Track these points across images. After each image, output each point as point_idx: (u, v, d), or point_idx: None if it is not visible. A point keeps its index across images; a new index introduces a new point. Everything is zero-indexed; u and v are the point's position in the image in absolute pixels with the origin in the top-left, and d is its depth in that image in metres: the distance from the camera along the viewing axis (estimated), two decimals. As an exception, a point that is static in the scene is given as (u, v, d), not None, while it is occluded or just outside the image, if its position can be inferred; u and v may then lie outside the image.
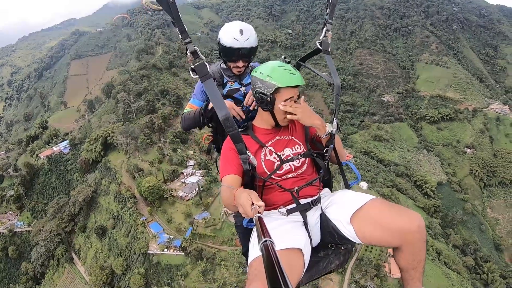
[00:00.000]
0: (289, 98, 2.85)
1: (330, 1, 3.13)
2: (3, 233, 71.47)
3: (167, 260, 49.49)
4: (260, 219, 1.70)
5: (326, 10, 3.22)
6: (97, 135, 72.74)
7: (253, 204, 2.02)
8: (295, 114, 2.84)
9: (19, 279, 65.72)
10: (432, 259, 59.87)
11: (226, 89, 3.52)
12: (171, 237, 50.61)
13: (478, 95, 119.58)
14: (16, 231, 71.59)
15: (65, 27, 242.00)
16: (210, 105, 3.22)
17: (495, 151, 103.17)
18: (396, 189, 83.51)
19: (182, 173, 61.71)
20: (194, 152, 70.55)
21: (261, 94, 2.86)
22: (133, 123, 74.80)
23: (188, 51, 2.67)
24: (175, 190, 57.63)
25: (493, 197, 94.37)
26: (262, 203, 2.03)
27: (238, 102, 3.45)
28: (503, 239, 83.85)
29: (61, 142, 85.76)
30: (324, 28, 3.21)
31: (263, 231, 1.48)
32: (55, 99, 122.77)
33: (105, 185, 65.58)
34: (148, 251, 50.71)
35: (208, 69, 2.75)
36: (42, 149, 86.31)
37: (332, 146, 2.97)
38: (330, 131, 2.91)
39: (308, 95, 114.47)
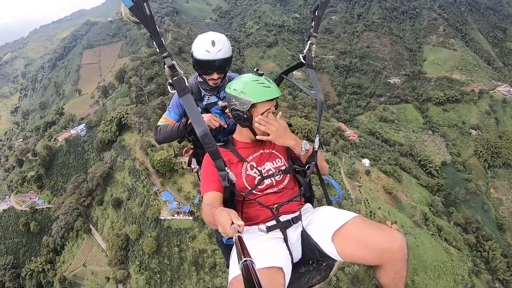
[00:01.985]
0: (266, 111, 2.88)
1: (316, 14, 3.18)
2: (24, 210, 77.80)
3: (177, 225, 55.98)
4: (240, 238, 1.72)
5: (312, 23, 3.26)
6: (112, 116, 79.27)
7: (232, 223, 2.05)
8: (268, 134, 2.89)
9: (40, 252, 71.91)
10: (432, 234, 63.50)
11: (204, 103, 3.54)
12: (181, 204, 57.17)
13: (485, 77, 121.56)
14: (37, 208, 77.78)
15: (75, 18, 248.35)
16: (189, 121, 3.21)
17: (500, 133, 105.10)
18: (399, 167, 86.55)
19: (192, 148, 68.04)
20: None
21: (237, 112, 2.89)
22: (146, 105, 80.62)
23: (165, 65, 2.76)
24: (185, 162, 64.08)
25: (497, 178, 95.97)
26: (241, 223, 2.05)
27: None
28: (506, 219, 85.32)
29: (77, 125, 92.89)
30: (309, 42, 3.28)
31: (243, 251, 1.50)
32: (70, 87, 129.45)
33: (120, 161, 72.37)
34: (160, 217, 57.37)
35: (187, 84, 2.85)
36: (60, 133, 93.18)
37: (314, 163, 3.04)
38: (308, 148, 3.02)
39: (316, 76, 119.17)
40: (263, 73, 2.94)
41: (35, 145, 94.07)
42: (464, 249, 65.92)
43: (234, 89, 2.90)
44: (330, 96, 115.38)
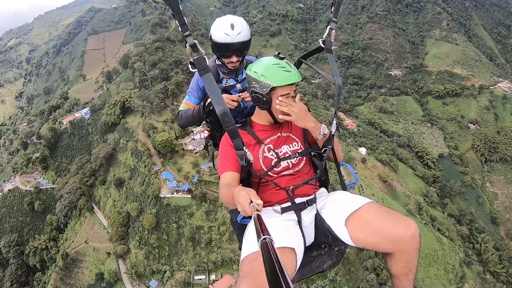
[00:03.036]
0: (285, 94, 2.91)
1: None
2: (29, 190, 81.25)
3: (176, 202, 59.64)
4: (258, 216, 1.73)
5: (331, 9, 3.34)
6: (116, 100, 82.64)
7: (251, 202, 2.13)
8: (289, 115, 2.90)
9: (44, 230, 75.42)
10: (425, 224, 65.64)
11: (222, 86, 3.58)
12: (180, 182, 60.67)
13: (486, 73, 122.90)
14: (41, 188, 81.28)
15: (80, 5, 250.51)
16: (208, 101, 3.34)
17: (499, 128, 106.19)
18: (396, 158, 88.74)
19: (192, 131, 71.18)
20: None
21: (256, 94, 2.92)
22: (149, 89, 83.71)
23: (187, 44, 2.76)
24: (185, 144, 67.72)
25: (494, 172, 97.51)
26: (260, 201, 2.11)
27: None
28: (500, 213, 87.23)
29: (82, 109, 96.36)
30: (328, 27, 3.32)
31: (262, 229, 1.50)
32: (74, 72, 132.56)
33: (123, 143, 75.96)
34: (160, 195, 60.97)
35: (207, 63, 2.82)
36: (64, 116, 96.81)
37: (330, 146, 3.06)
38: (327, 132, 3.03)
39: (321, 67, 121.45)
40: (284, 57, 2.98)
41: (40, 128, 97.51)
42: (456, 240, 68.01)
43: (254, 72, 2.95)
44: (330, 86, 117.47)
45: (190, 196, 59.05)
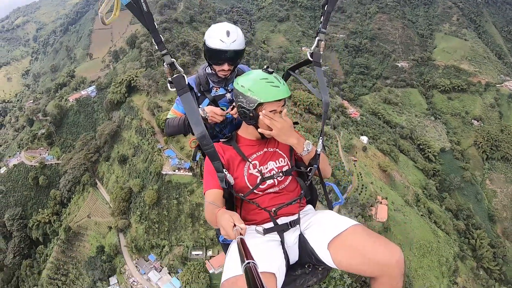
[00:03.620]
0: (272, 111, 2.85)
1: (325, 8, 3.08)
2: (34, 165, 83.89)
3: (177, 179, 61.77)
4: (242, 241, 1.76)
5: (321, 18, 3.18)
6: (122, 79, 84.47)
7: (234, 225, 2.11)
8: (271, 130, 2.86)
9: (48, 204, 78.05)
10: (421, 215, 66.93)
11: (212, 94, 3.55)
12: (182, 160, 62.68)
13: (494, 71, 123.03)
14: (46, 164, 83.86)
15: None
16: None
17: (502, 126, 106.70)
18: (398, 149, 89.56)
19: (196, 112, 73.24)
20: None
21: (243, 109, 2.89)
22: (155, 69, 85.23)
23: (165, 63, 2.77)
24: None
25: (494, 170, 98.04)
26: (244, 226, 2.11)
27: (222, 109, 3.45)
28: (498, 211, 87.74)
29: (88, 87, 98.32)
30: (317, 38, 3.19)
31: (246, 253, 1.52)
32: (81, 51, 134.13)
33: (128, 121, 78.06)
34: (162, 172, 63.20)
35: (186, 82, 2.84)
36: (70, 94, 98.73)
37: (316, 166, 3.02)
38: (311, 148, 2.99)
39: (324, 55, 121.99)
40: (273, 71, 2.93)
41: (46, 105, 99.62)
42: (452, 234, 69.12)
43: (241, 86, 2.91)
44: (337, 74, 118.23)
45: (191, 173, 61.07)
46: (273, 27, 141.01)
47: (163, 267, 56.98)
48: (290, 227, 2.86)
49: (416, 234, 59.41)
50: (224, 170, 2.78)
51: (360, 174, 69.48)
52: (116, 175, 72.41)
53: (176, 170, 62.57)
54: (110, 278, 59.20)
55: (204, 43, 3.27)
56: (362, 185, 66.69)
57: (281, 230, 2.84)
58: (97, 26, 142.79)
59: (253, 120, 2.93)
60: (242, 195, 2.92)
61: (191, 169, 61.15)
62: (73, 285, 63.54)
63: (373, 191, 66.04)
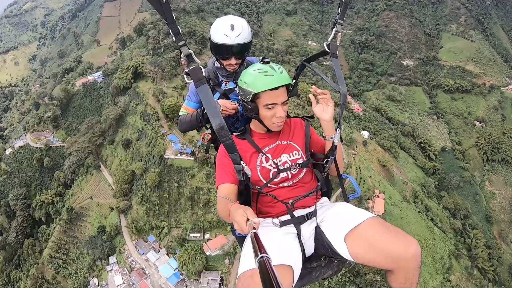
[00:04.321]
0: (272, 104, 2.85)
1: (343, 0, 3.13)
2: (39, 147, 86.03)
3: (179, 163, 64.15)
4: (255, 235, 1.74)
5: (338, 10, 3.21)
6: (129, 65, 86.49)
7: (248, 220, 2.08)
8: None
9: (51, 186, 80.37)
10: (418, 212, 68.42)
11: (222, 89, 3.58)
12: (184, 145, 64.88)
13: (499, 73, 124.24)
14: (51, 146, 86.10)
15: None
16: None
17: (505, 129, 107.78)
18: (399, 145, 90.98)
19: (202, 99, 75.23)
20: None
21: (243, 103, 2.94)
22: (161, 57, 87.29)
23: (182, 54, 2.72)
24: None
25: (494, 172, 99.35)
26: (258, 220, 2.06)
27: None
28: (495, 213, 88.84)
29: (95, 72, 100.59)
30: (334, 29, 3.19)
31: (260, 247, 1.52)
32: (88, 37, 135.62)
33: (133, 106, 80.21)
34: (164, 156, 65.56)
35: (203, 73, 2.75)
36: (77, 79, 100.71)
37: (333, 158, 3.03)
38: (332, 142, 3.01)
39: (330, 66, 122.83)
40: (269, 61, 2.92)
41: (52, 90, 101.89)
42: (448, 233, 70.12)
43: (240, 80, 2.97)
44: (342, 69, 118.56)
45: (192, 158, 63.42)
46: (280, 20, 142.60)
47: (161, 248, 59.27)
48: (306, 219, 2.89)
49: (412, 230, 60.00)
50: (241, 162, 2.74)
51: (359, 168, 70.95)
52: (120, 159, 74.66)
53: (178, 155, 65.00)
54: (109, 258, 61.59)
55: (210, 38, 3.35)
56: (361, 178, 68.18)
57: (297, 222, 2.86)
58: (105, 13, 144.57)
59: (253, 113, 2.95)
60: (259, 187, 2.94)
61: (192, 153, 63.37)
62: (73, 264, 65.92)
63: (371, 185, 67.67)
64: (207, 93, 2.68)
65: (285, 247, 2.65)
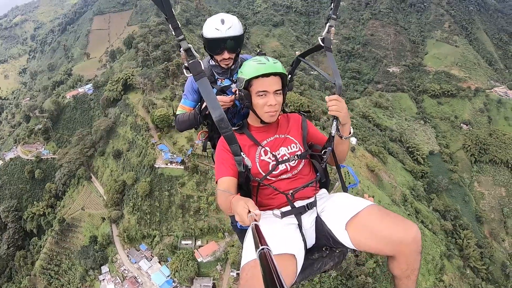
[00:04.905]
0: (263, 91, 2.96)
1: None
2: (30, 159, 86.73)
3: (169, 172, 65.16)
4: (256, 227, 1.74)
5: (331, 5, 3.33)
6: (118, 77, 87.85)
7: (249, 212, 2.08)
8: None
9: (43, 197, 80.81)
10: (408, 214, 68.77)
11: (218, 86, 3.64)
12: (174, 154, 66.17)
13: (483, 76, 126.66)
14: (42, 158, 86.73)
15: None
16: (204, 105, 3.35)
17: (491, 131, 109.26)
18: (387, 151, 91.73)
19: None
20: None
21: (239, 92, 3.05)
22: (151, 68, 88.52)
23: (181, 48, 2.77)
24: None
25: (482, 173, 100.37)
26: (259, 212, 2.07)
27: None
28: (485, 212, 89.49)
29: (85, 85, 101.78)
30: (328, 24, 3.30)
31: (260, 239, 1.52)
32: (78, 50, 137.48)
33: (123, 117, 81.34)
34: (155, 165, 66.58)
35: (202, 67, 2.83)
36: (67, 92, 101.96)
37: (330, 148, 3.11)
38: (329, 133, 3.12)
39: (318, 60, 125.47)
40: (264, 53, 3.12)
41: (43, 102, 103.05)
42: (439, 234, 70.82)
43: (237, 72, 3.20)
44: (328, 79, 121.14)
45: (182, 167, 64.51)
46: (267, 32, 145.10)
47: (153, 256, 59.79)
48: (307, 210, 2.92)
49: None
50: (242, 153, 2.83)
51: (348, 174, 71.71)
52: (111, 169, 75.62)
53: (168, 164, 66.01)
54: (102, 267, 61.91)
55: (202, 36, 3.41)
56: (349, 182, 68.92)
57: (298, 213, 2.89)
58: (95, 27, 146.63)
59: (247, 101, 3.03)
60: (259, 179, 2.99)
61: (182, 163, 64.56)
62: (65, 275, 66.22)
63: (360, 189, 68.01)
64: (207, 86, 2.81)
65: (287, 237, 2.69)
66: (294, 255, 2.55)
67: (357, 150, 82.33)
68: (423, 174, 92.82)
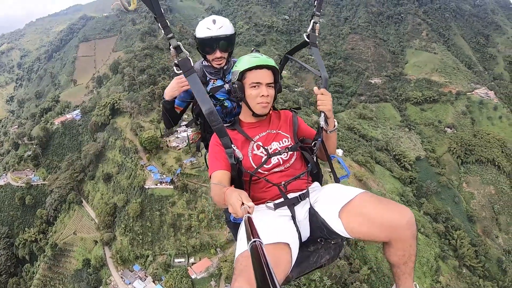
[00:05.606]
0: (256, 83, 3.02)
1: None
2: (21, 186, 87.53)
3: (159, 192, 66.38)
4: (249, 219, 1.75)
5: (314, 2, 3.49)
6: (106, 102, 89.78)
7: (243, 204, 2.11)
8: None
9: (34, 223, 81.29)
10: None
11: (209, 87, 3.67)
12: (164, 175, 67.63)
13: (464, 80, 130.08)
14: (32, 184, 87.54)
15: (71, 13, 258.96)
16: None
17: (475, 131, 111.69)
18: (374, 160, 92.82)
19: (177, 130, 78.39)
20: (188, 116, 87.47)
21: (233, 85, 3.11)
22: (137, 92, 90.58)
23: (171, 46, 2.88)
24: (169, 141, 75.05)
25: (470, 173, 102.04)
26: (252, 204, 2.10)
27: (218, 100, 3.65)
28: (477, 211, 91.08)
29: (73, 111, 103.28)
30: (312, 21, 3.46)
31: (252, 231, 1.53)
32: (65, 77, 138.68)
33: (112, 141, 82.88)
34: (145, 186, 67.79)
35: (192, 64, 2.96)
36: (56, 118, 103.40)
37: (320, 139, 3.19)
38: (318, 124, 3.21)
39: (301, 76, 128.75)
40: (258, 50, 3.30)
41: (31, 130, 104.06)
42: (432, 237, 71.65)
43: (230, 72, 3.30)
44: (313, 94, 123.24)
45: (172, 187, 65.89)
46: (250, 52, 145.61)
47: (147, 276, 60.22)
48: (300, 200, 2.94)
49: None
50: (232, 145, 2.89)
51: (339, 163, 73.12)
52: (101, 193, 76.64)
53: (158, 184, 67.36)
54: (96, 290, 62.45)
55: (195, 37, 3.51)
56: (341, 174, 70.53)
57: (291, 204, 2.91)
58: (80, 53, 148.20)
59: (240, 93, 3.10)
60: (251, 172, 3.02)
61: (172, 182, 66.07)
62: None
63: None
64: (197, 82, 2.90)
65: (280, 227, 2.71)
66: (288, 244, 2.57)
67: (344, 161, 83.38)
68: (412, 179, 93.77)
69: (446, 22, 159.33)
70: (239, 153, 2.93)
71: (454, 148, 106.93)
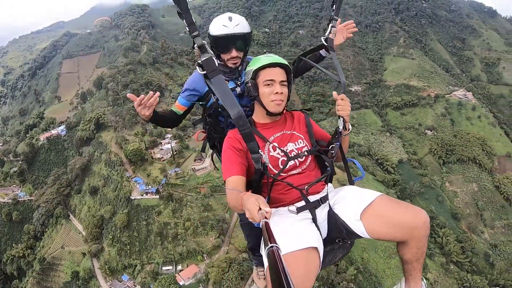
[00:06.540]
0: (270, 80, 3.06)
1: None
2: (7, 202, 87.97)
3: (145, 203, 68.39)
4: (266, 224, 1.78)
5: (332, 6, 3.51)
6: (91, 117, 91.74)
7: (260, 209, 2.10)
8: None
9: (21, 239, 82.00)
10: None
11: None
12: (149, 185, 69.71)
13: (442, 83, 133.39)
14: (19, 200, 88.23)
15: (54, 30, 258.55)
16: (209, 104, 3.54)
17: (455, 132, 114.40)
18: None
19: (161, 142, 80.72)
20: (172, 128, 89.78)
21: (247, 84, 3.15)
22: (121, 107, 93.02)
23: (195, 45, 2.84)
24: (154, 152, 77.29)
25: (452, 172, 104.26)
26: (269, 209, 2.09)
27: None
28: (461, 209, 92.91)
29: (58, 126, 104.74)
30: (330, 25, 3.50)
31: (270, 237, 1.55)
32: (49, 94, 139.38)
33: (97, 155, 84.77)
34: (131, 197, 69.80)
35: (216, 64, 2.89)
36: (41, 134, 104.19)
37: (338, 144, 3.26)
38: (336, 128, 3.26)
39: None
40: (271, 52, 3.40)
41: (16, 147, 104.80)
42: None
43: (244, 73, 3.30)
44: (294, 104, 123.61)
45: (158, 196, 67.98)
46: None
47: (136, 286, 61.62)
48: (321, 204, 2.98)
49: (379, 242, 60.80)
50: (259, 151, 2.87)
51: (355, 165, 75.17)
52: (88, 206, 78.14)
53: (144, 195, 69.32)
54: (85, 302, 63.69)
55: (209, 35, 3.38)
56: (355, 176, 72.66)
57: (313, 207, 2.94)
58: (64, 70, 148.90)
59: (254, 91, 3.13)
60: (273, 175, 2.98)
61: (157, 192, 68.18)
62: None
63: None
64: (222, 84, 2.89)
65: (306, 231, 2.76)
66: (317, 248, 2.63)
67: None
68: (395, 182, 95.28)
69: (423, 28, 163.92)
70: (266, 158, 2.97)
71: (435, 149, 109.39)
